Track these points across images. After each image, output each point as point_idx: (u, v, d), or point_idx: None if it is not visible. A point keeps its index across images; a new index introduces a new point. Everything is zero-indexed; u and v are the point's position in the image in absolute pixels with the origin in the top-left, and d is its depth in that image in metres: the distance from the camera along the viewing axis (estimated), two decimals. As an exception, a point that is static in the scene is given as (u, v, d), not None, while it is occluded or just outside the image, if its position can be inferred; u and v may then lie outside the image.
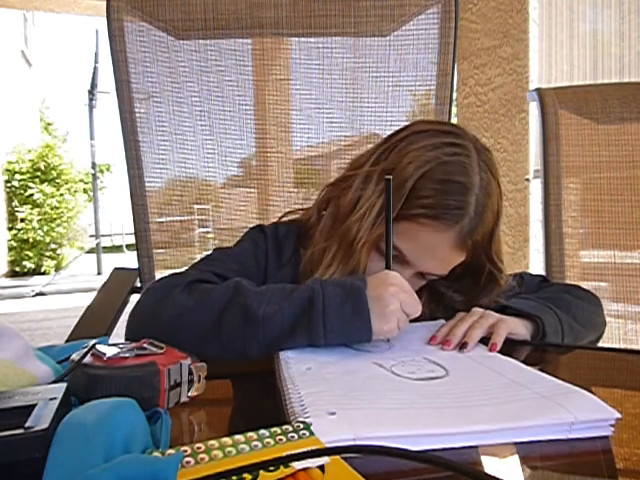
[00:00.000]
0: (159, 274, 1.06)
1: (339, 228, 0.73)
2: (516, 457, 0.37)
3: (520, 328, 0.65)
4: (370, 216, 0.70)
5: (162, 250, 1.07)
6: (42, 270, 8.76)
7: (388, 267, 0.63)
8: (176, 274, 0.68)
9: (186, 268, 0.73)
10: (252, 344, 0.57)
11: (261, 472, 0.27)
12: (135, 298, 1.04)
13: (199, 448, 0.29)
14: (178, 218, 1.10)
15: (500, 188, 0.72)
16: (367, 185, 0.72)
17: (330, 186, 0.80)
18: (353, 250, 0.70)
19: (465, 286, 0.78)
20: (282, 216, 0.88)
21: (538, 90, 1.21)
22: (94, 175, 10.68)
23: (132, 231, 1.07)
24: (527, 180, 2.39)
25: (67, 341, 0.68)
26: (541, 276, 0.88)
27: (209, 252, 0.78)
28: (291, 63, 1.08)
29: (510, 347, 0.60)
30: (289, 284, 0.62)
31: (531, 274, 0.87)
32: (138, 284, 1.06)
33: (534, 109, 1.23)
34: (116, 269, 1.09)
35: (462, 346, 0.58)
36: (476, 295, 0.76)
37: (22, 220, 8.54)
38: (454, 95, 2.57)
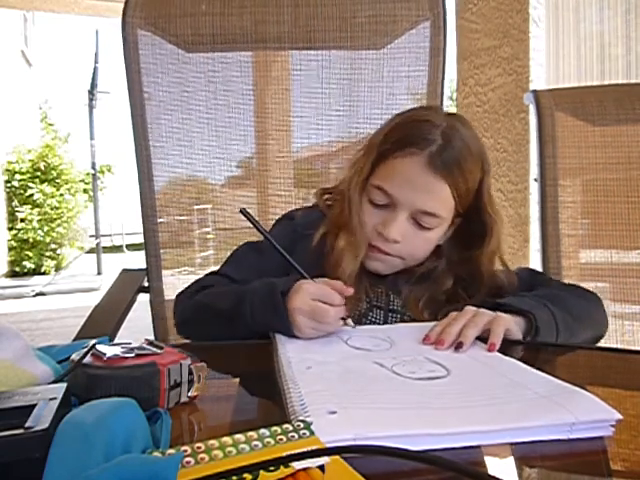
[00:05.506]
0: (166, 273, 1.15)
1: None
2: (516, 457, 0.37)
3: (511, 325, 0.64)
4: (356, 177, 0.80)
5: (169, 250, 1.14)
6: (42, 270, 8.74)
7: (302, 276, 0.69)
8: (206, 278, 0.83)
9: (218, 267, 0.86)
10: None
11: (261, 472, 0.27)
12: (142, 297, 1.09)
13: (199, 448, 0.29)
14: (185, 218, 1.17)
15: (481, 145, 0.78)
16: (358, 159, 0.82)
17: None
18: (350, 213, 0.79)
19: (466, 244, 0.81)
20: (280, 218, 0.90)
21: (535, 92, 1.21)
22: (94, 175, 10.67)
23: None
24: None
25: (74, 340, 0.69)
26: (530, 269, 0.89)
27: (236, 247, 0.88)
28: (292, 74, 1.17)
29: (508, 346, 0.60)
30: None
31: (524, 268, 0.88)
32: (145, 284, 1.11)
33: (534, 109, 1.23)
34: (124, 270, 1.12)
35: (457, 346, 0.58)
36: (479, 252, 0.79)
37: (22, 220, 8.52)
38: (454, 95, 2.56)
